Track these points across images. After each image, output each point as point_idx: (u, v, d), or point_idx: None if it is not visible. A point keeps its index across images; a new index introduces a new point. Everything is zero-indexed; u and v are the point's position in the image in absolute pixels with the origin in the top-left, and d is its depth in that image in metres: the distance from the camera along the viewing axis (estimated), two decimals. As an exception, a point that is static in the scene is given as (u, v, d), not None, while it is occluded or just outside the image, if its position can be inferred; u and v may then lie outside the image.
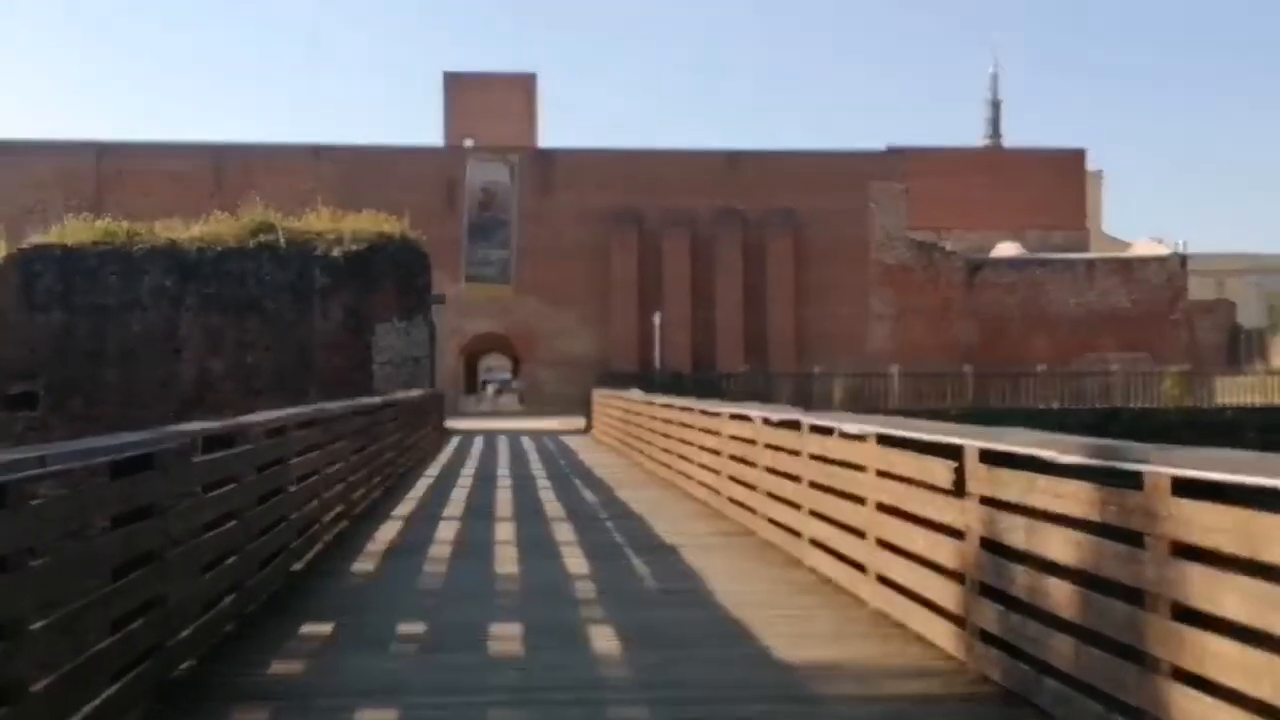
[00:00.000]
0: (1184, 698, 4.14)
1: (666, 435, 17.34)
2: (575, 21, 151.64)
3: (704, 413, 14.28)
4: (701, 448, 14.20)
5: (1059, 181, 61.90)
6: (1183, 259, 53.99)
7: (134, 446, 5.54)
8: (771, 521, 10.32)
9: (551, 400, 47.56)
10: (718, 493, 12.94)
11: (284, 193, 33.13)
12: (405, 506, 14.16)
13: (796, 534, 9.44)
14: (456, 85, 59.38)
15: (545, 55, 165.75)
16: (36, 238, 27.48)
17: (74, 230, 27.68)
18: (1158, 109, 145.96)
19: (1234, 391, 36.85)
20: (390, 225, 28.92)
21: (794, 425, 9.69)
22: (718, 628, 7.22)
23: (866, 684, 5.88)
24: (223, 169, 47.59)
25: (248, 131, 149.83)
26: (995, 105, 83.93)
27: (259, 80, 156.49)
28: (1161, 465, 4.32)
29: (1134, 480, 4.45)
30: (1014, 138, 79.70)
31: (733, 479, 12.19)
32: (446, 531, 11.90)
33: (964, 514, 6.03)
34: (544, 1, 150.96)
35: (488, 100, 57.51)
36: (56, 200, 37.51)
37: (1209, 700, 4.01)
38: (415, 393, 23.39)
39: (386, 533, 11.68)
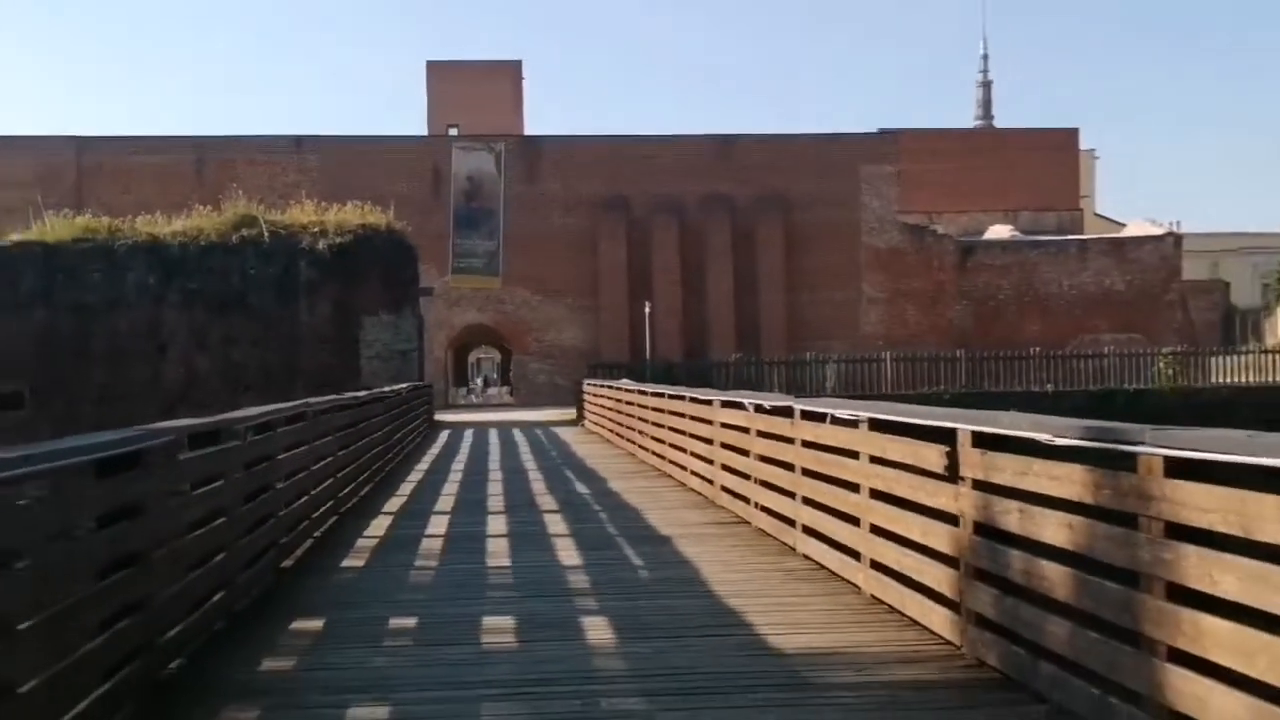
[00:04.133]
0: (1180, 679, 4.16)
1: (659, 425, 17.31)
2: (561, 6, 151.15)
3: (696, 401, 14.26)
4: (694, 437, 14.19)
5: (1052, 162, 61.93)
6: (1177, 239, 54.14)
7: (120, 445, 5.51)
8: (765, 510, 10.33)
9: (542, 391, 47.61)
10: (711, 482, 12.94)
11: (267, 185, 33.10)
12: (395, 501, 14.10)
13: (790, 522, 9.45)
14: (440, 74, 59.28)
15: (531, 42, 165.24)
16: (17, 236, 27.37)
17: (55, 227, 27.62)
18: (1151, 86, 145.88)
19: (1229, 371, 36.98)
20: (375, 217, 28.85)
21: (786, 412, 9.69)
22: (712, 617, 7.22)
23: (861, 670, 5.88)
24: (204, 162, 47.40)
25: (229, 124, 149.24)
26: (987, 86, 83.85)
27: (240, 71, 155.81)
28: (1155, 446, 4.34)
29: (1128, 462, 4.47)
30: (1006, 118, 79.77)
31: (726, 468, 12.18)
32: (437, 526, 11.88)
33: (958, 499, 6.05)
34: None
35: (472, 88, 57.38)
36: (36, 195, 37.34)
37: (1205, 681, 4.03)
38: (404, 386, 23.34)
39: (376, 528, 11.66)
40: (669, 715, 5.26)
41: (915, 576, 6.67)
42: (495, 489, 15.53)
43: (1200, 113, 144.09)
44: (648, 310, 45.34)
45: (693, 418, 14.30)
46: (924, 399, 29.33)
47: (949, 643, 6.17)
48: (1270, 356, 37.31)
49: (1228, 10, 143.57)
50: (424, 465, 19.53)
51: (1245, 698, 3.83)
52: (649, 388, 19.96)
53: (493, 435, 26.95)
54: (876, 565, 7.33)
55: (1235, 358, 38.56)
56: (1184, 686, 4.14)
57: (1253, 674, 3.80)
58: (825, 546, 8.45)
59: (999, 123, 77.16)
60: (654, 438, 17.72)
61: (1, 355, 25.78)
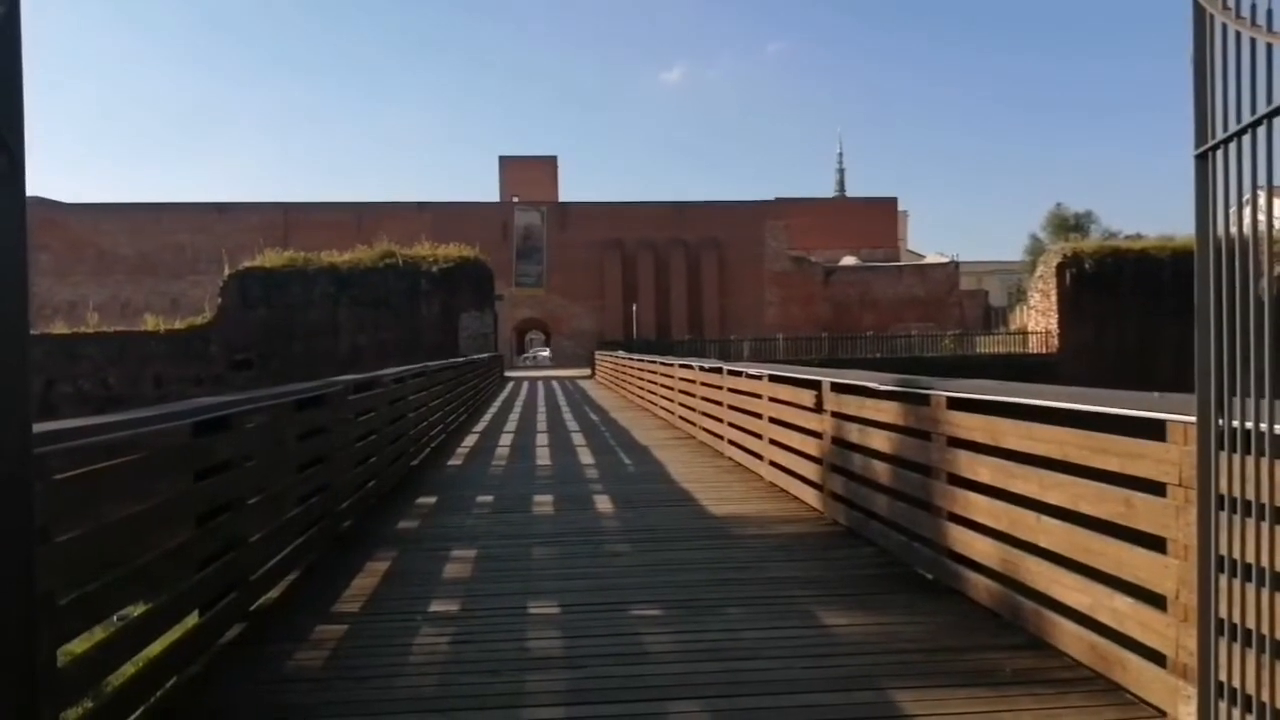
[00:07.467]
0: (954, 530, 4.20)
1: (640, 379, 17.31)
2: (582, 121, 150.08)
3: (663, 364, 14.28)
4: (662, 386, 14.19)
5: (880, 217, 61.85)
6: (956, 265, 54.11)
7: (311, 390, 5.49)
8: (706, 430, 10.32)
9: (570, 358, 47.45)
10: (672, 414, 12.94)
11: (401, 232, 32.57)
12: (480, 425, 14.04)
13: (720, 437, 9.46)
14: (507, 164, 58.76)
15: (563, 142, 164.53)
16: (248, 263, 27.11)
17: (271, 258, 27.32)
18: (939, 169, 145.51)
19: (986, 345, 37.00)
20: (468, 252, 28.56)
21: (718, 370, 9.70)
22: (672, 495, 7.22)
23: (763, 526, 5.90)
24: (362, 218, 46.74)
25: (378, 194, 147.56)
26: (841, 170, 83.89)
27: (386, 157, 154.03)
28: (941, 390, 4.36)
29: (925, 400, 4.48)
30: (853, 190, 79.41)
31: (681, 405, 12.18)
32: (505, 440, 11.84)
33: (822, 422, 6.07)
34: (561, 111, 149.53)
35: (526, 173, 56.96)
36: (259, 239, 36.83)
37: (970, 532, 4.06)
38: (486, 355, 23.24)
39: (468, 441, 11.63)
40: (645, 553, 5.28)
41: (796, 470, 6.70)
42: (540, 417, 15.46)
43: (971, 184, 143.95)
44: (634, 309, 45.25)
45: (662, 374, 14.30)
46: (802, 362, 29.34)
47: (816, 510, 6.20)
48: (1011, 336, 37.35)
49: (999, 120, 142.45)
50: (497, 404, 19.43)
51: (992, 541, 3.87)
52: (635, 356, 19.94)
53: (540, 385, 26.89)
54: (773, 463, 7.36)
55: (991, 337, 38.58)
56: (958, 535, 4.17)
57: (997, 527, 3.83)
58: (742, 452, 8.47)
59: (849, 193, 76.89)
60: (638, 386, 17.68)
61: (240, 337, 25.63)
